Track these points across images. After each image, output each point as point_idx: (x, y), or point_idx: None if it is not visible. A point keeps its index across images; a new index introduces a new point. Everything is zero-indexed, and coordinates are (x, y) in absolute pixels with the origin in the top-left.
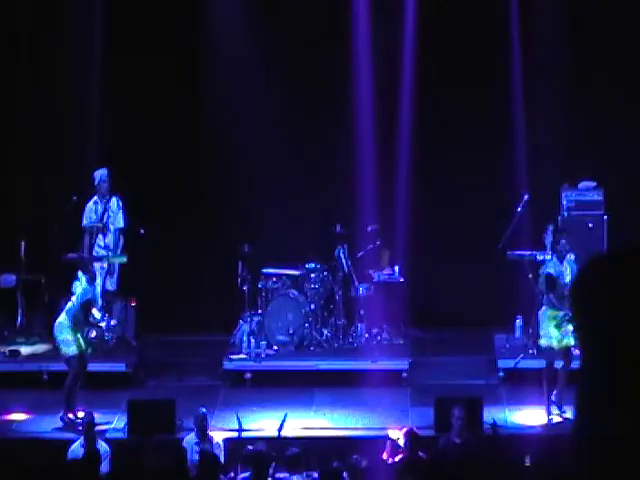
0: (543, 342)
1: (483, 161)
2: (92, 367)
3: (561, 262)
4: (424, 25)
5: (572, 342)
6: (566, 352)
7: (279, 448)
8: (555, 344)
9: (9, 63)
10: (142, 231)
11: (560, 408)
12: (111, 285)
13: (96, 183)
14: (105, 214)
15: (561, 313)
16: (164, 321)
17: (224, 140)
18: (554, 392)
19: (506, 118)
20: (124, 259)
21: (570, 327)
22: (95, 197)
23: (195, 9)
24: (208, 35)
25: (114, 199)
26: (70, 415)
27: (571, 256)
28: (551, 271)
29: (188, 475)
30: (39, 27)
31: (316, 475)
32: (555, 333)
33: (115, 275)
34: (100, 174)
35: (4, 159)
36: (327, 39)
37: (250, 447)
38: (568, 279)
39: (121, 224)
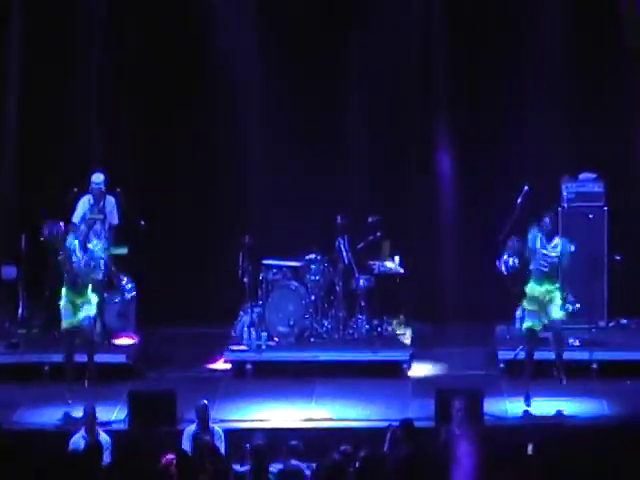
0: (525, 325)
1: (484, 153)
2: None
3: (548, 240)
4: (428, 20)
5: (559, 315)
6: (556, 334)
7: (280, 439)
8: (537, 325)
9: (8, 61)
10: (142, 223)
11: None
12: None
13: (91, 186)
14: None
15: (542, 289)
16: (165, 313)
17: (225, 133)
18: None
19: (506, 110)
20: (125, 250)
21: (554, 304)
22: (90, 197)
23: (196, 8)
24: (209, 33)
25: (110, 198)
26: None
27: (571, 247)
28: (528, 244)
29: (189, 466)
30: (40, 25)
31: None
32: (537, 312)
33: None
34: (96, 178)
35: (5, 153)
36: (329, 33)
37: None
38: (553, 254)
39: (115, 221)
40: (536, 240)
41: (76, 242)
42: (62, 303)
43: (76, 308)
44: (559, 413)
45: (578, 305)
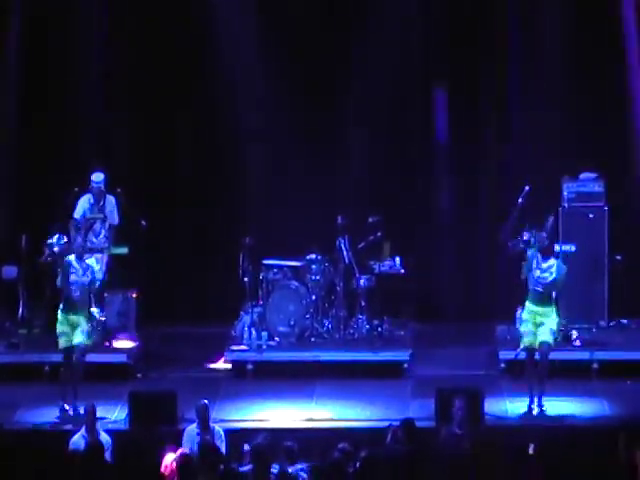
0: (526, 342)
1: (484, 153)
2: (93, 359)
3: (544, 257)
4: (428, 19)
5: (547, 338)
6: (542, 357)
7: (277, 440)
8: (536, 342)
9: (8, 60)
10: (143, 223)
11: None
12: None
13: (91, 185)
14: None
15: (537, 309)
16: (165, 313)
17: (225, 132)
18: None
19: (506, 110)
20: (125, 250)
21: (546, 326)
22: (90, 196)
23: (196, 8)
24: (210, 31)
25: (110, 198)
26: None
27: (572, 247)
28: (526, 266)
29: (190, 466)
30: (40, 25)
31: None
32: (534, 329)
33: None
34: (96, 178)
35: (5, 152)
36: (329, 32)
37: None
38: (547, 275)
39: (116, 221)
40: (533, 259)
41: (72, 257)
42: (58, 325)
43: (72, 327)
44: (560, 413)
45: (575, 333)
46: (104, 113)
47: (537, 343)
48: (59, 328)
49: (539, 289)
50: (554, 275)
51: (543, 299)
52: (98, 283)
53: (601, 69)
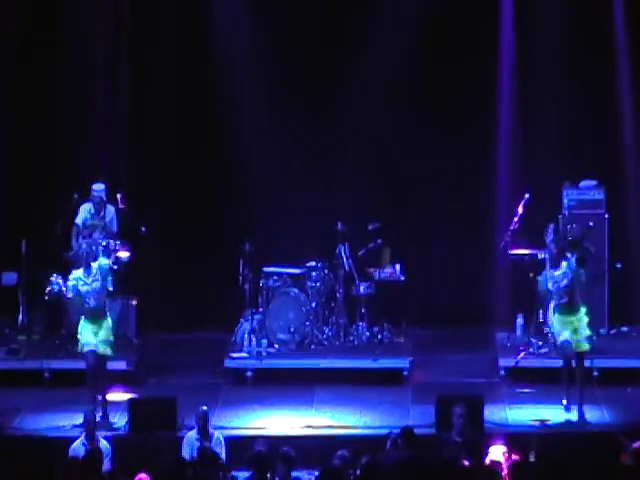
0: (561, 338)
1: (485, 160)
2: None
3: (556, 266)
4: (427, 21)
5: (586, 348)
6: (579, 356)
7: (280, 446)
8: (571, 338)
9: (14, 63)
10: (143, 229)
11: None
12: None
13: (92, 194)
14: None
15: (570, 318)
16: (165, 319)
17: (226, 139)
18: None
19: (507, 116)
20: (127, 254)
21: (582, 333)
22: (90, 205)
23: (201, 10)
24: (212, 35)
25: (110, 207)
26: None
27: (572, 258)
28: (541, 287)
29: (187, 473)
30: (43, 27)
31: (317, 473)
32: (571, 335)
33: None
34: (97, 187)
35: (4, 158)
36: (325, 38)
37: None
38: (564, 282)
39: (114, 230)
40: (545, 279)
41: (80, 271)
42: (80, 332)
43: (95, 327)
44: (560, 420)
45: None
46: (104, 118)
47: (578, 349)
48: (80, 334)
49: (564, 300)
50: (569, 274)
51: (572, 305)
52: (111, 277)
53: (601, 73)
